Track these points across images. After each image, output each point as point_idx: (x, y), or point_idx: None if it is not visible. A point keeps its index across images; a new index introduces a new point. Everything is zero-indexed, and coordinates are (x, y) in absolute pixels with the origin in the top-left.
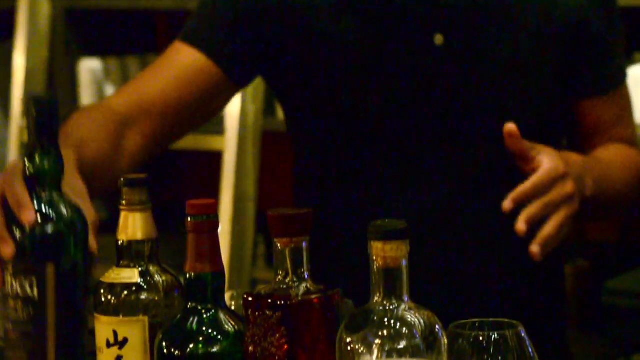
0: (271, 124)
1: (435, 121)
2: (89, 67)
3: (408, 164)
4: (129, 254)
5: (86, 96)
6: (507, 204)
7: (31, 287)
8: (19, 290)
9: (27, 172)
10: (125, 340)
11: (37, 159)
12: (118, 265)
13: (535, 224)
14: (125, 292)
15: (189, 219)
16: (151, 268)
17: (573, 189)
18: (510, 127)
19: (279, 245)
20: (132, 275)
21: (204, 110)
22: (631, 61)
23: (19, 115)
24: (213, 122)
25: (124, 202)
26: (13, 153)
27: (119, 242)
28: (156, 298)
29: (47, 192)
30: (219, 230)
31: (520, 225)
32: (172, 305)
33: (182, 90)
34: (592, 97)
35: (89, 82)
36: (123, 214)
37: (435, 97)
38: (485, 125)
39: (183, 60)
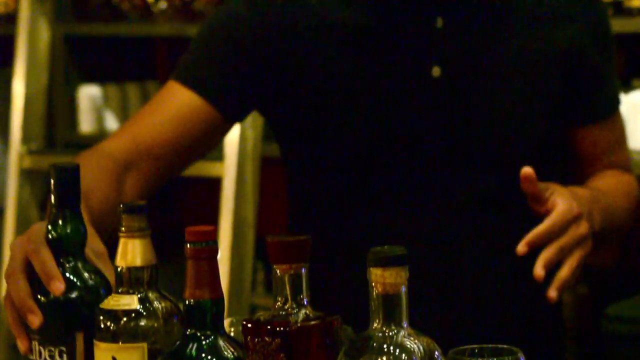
0: (270, 150)
1: (432, 151)
2: (88, 94)
3: (404, 192)
4: (128, 280)
5: (85, 122)
6: (521, 247)
7: (61, 356)
8: (48, 359)
9: (51, 239)
10: None
11: (60, 226)
12: (117, 292)
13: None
14: (125, 319)
15: (188, 245)
16: (150, 294)
17: (587, 229)
18: (527, 170)
19: (278, 271)
20: (131, 301)
21: (201, 148)
22: (630, 87)
23: (19, 141)
24: None
25: (123, 228)
26: (13, 179)
27: (118, 269)
28: (155, 324)
29: (72, 260)
30: (218, 256)
31: (539, 271)
32: (171, 332)
33: (179, 132)
34: (588, 125)
35: (88, 108)
36: (122, 241)
37: (433, 129)
38: (481, 155)
39: (178, 102)
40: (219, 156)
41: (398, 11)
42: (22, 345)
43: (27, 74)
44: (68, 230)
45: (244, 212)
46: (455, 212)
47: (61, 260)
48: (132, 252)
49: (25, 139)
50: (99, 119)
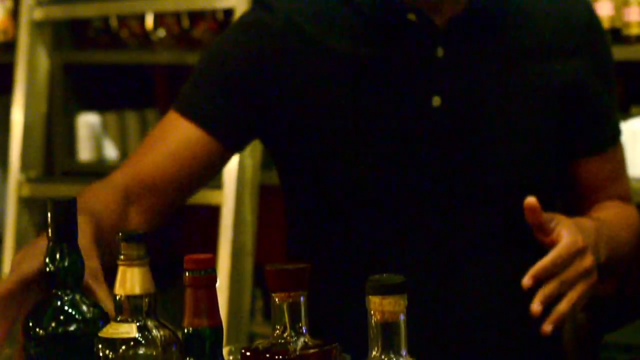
0: (269, 178)
1: (432, 182)
2: (87, 122)
3: (403, 222)
4: (127, 308)
5: (84, 150)
6: (526, 280)
7: None
8: None
9: (48, 272)
10: None
11: (58, 260)
12: (116, 320)
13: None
14: (123, 347)
15: (187, 273)
16: (149, 323)
17: (591, 263)
18: (531, 200)
19: (276, 299)
20: (130, 330)
21: (202, 178)
22: (628, 115)
23: (17, 169)
24: None
25: (121, 257)
26: (11, 207)
27: (117, 297)
28: (154, 353)
29: (69, 293)
30: (217, 284)
31: (536, 307)
32: None
33: (181, 165)
34: (589, 157)
35: (87, 136)
36: (121, 269)
37: (432, 159)
38: (481, 186)
39: (179, 134)
40: (217, 184)
41: (399, 41)
42: None
43: (26, 102)
44: (65, 264)
45: (242, 240)
46: (454, 243)
47: (59, 293)
48: (130, 280)
49: (24, 167)
50: (98, 147)
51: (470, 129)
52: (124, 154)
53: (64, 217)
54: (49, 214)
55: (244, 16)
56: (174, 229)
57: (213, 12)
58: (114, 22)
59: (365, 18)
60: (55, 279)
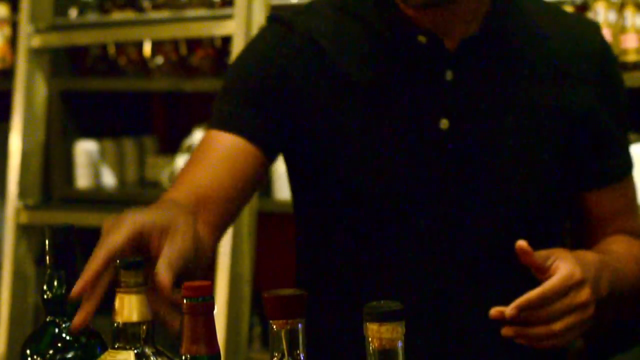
0: (266, 205)
1: (439, 204)
2: (84, 149)
3: (411, 247)
4: (124, 336)
5: (82, 177)
6: (509, 310)
7: None
8: None
9: (46, 299)
10: None
11: (56, 287)
12: (114, 347)
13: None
14: None
15: (185, 300)
16: (147, 350)
17: (587, 297)
18: (521, 244)
19: (274, 326)
20: (127, 357)
21: (251, 188)
22: None
23: (15, 196)
24: None
25: (120, 284)
26: (9, 234)
27: (115, 324)
28: None
29: (67, 320)
30: (215, 311)
31: (505, 330)
32: None
33: (232, 176)
34: (599, 188)
35: (85, 163)
36: (119, 296)
37: (440, 181)
38: (487, 209)
39: (224, 148)
40: None
41: (409, 63)
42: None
43: (24, 129)
44: (63, 291)
45: (240, 267)
46: (459, 269)
47: (57, 320)
48: (128, 307)
49: (22, 194)
50: (96, 174)
51: (477, 152)
52: (122, 180)
53: (62, 244)
54: (47, 241)
55: (263, 31)
56: None
57: (211, 40)
58: (112, 50)
59: (378, 38)
60: (53, 306)
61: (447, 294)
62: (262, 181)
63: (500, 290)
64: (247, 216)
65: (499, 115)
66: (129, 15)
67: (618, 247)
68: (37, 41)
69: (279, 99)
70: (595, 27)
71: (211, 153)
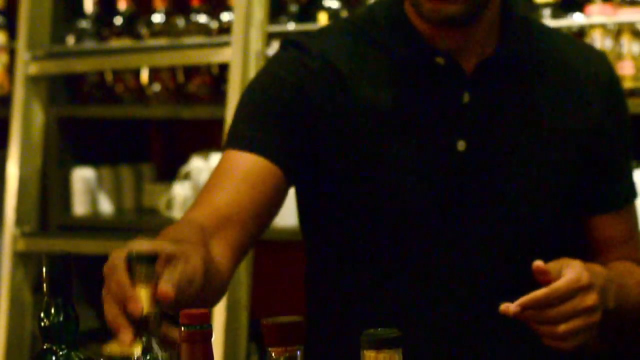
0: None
1: (456, 225)
2: (82, 176)
3: (426, 270)
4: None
5: (79, 205)
6: (513, 307)
7: None
8: None
9: (43, 327)
10: None
11: (53, 315)
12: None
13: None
14: None
15: (183, 328)
16: (153, 342)
17: (595, 301)
18: (538, 265)
19: (273, 354)
20: (135, 348)
21: (273, 209)
22: None
23: (12, 224)
24: None
25: (131, 276)
26: (6, 262)
27: None
28: None
29: (64, 348)
30: (212, 339)
31: (504, 306)
32: None
33: (252, 195)
34: (604, 214)
35: (82, 190)
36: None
37: (457, 202)
38: (504, 231)
39: (244, 167)
40: None
41: (426, 84)
42: (125, 338)
43: (21, 156)
44: (60, 319)
45: (237, 294)
46: (477, 290)
47: (54, 347)
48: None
49: (19, 221)
50: (93, 202)
51: (494, 174)
52: (119, 208)
53: (59, 272)
54: (44, 269)
55: (279, 54)
56: None
57: (208, 67)
58: (109, 77)
59: (394, 60)
60: (50, 334)
61: (465, 319)
62: (281, 203)
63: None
64: None
65: (515, 137)
66: (126, 42)
67: (623, 268)
68: (34, 68)
69: (298, 120)
70: (603, 54)
71: (232, 173)
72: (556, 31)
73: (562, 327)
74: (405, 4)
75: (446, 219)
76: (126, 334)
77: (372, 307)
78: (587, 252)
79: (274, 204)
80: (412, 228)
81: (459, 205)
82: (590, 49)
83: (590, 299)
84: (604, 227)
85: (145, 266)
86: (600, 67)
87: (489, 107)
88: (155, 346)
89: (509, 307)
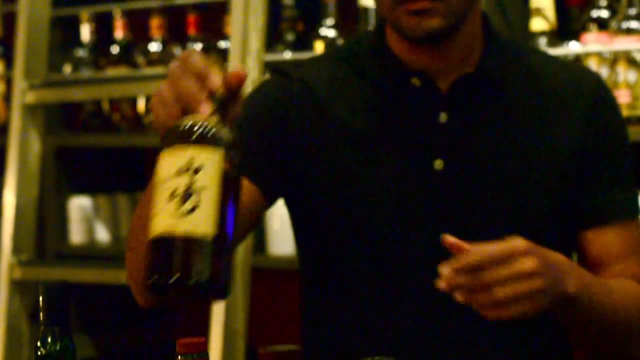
0: (260, 260)
1: (433, 245)
2: (78, 205)
3: (407, 289)
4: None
5: (76, 233)
6: (447, 272)
7: None
8: None
9: (40, 356)
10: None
11: (50, 344)
12: None
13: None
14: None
15: (179, 357)
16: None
17: (535, 265)
18: (447, 238)
19: None
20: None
21: (246, 230)
22: None
23: (9, 252)
24: None
25: None
26: (3, 290)
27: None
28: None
29: None
30: None
31: (439, 282)
32: None
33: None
34: (594, 228)
35: (79, 219)
36: None
37: (434, 222)
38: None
39: None
40: None
41: (403, 106)
42: (206, 109)
43: (17, 184)
44: (57, 348)
45: (234, 322)
46: (459, 309)
47: None
48: None
49: (16, 249)
50: (90, 230)
51: (472, 192)
52: (116, 236)
53: (56, 300)
54: (40, 298)
55: (264, 81)
56: (167, 313)
57: None
58: (105, 106)
59: (373, 86)
60: None
61: (448, 338)
62: (258, 222)
63: (504, 335)
64: (241, 271)
65: (493, 156)
66: (123, 71)
67: (615, 281)
68: (31, 97)
69: (278, 142)
70: (593, 74)
71: None
72: (544, 53)
73: (500, 292)
74: (386, 31)
75: (425, 239)
76: (206, 107)
77: (360, 331)
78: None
79: (249, 221)
80: (392, 249)
81: (438, 224)
82: (580, 69)
83: (529, 263)
84: (596, 242)
85: (214, 56)
86: (586, 86)
87: (466, 126)
88: (220, 122)
89: (443, 272)
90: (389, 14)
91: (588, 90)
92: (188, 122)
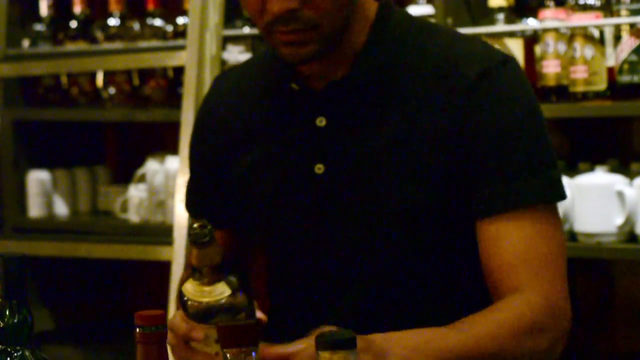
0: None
1: (320, 246)
2: (37, 178)
3: (308, 284)
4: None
5: (35, 207)
6: None
7: None
8: None
9: None
10: None
11: (8, 316)
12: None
13: None
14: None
15: (138, 330)
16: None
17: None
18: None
19: (228, 355)
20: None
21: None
22: (575, 171)
23: None
24: (161, 232)
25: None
26: None
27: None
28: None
29: (19, 349)
30: (168, 340)
31: None
32: None
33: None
34: (482, 220)
35: (38, 193)
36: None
37: (318, 225)
38: (366, 252)
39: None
40: (168, 240)
41: (285, 113)
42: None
43: None
44: (15, 320)
45: None
46: (354, 302)
47: (9, 349)
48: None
49: None
50: (48, 204)
51: (355, 195)
52: (74, 210)
53: (14, 273)
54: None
55: (202, 106)
56: (125, 286)
57: (163, 70)
58: (64, 80)
59: (263, 91)
60: (5, 335)
61: (342, 311)
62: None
63: (408, 317)
64: None
65: (375, 156)
66: (81, 46)
67: (478, 316)
68: None
69: (209, 170)
70: (479, 55)
71: None
72: (444, 32)
73: None
74: None
75: (310, 240)
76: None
77: (290, 305)
78: (471, 264)
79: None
80: (285, 247)
81: (323, 228)
82: (470, 50)
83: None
84: (483, 237)
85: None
86: (468, 69)
87: (345, 128)
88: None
89: None
90: (265, 37)
91: (470, 74)
92: None
